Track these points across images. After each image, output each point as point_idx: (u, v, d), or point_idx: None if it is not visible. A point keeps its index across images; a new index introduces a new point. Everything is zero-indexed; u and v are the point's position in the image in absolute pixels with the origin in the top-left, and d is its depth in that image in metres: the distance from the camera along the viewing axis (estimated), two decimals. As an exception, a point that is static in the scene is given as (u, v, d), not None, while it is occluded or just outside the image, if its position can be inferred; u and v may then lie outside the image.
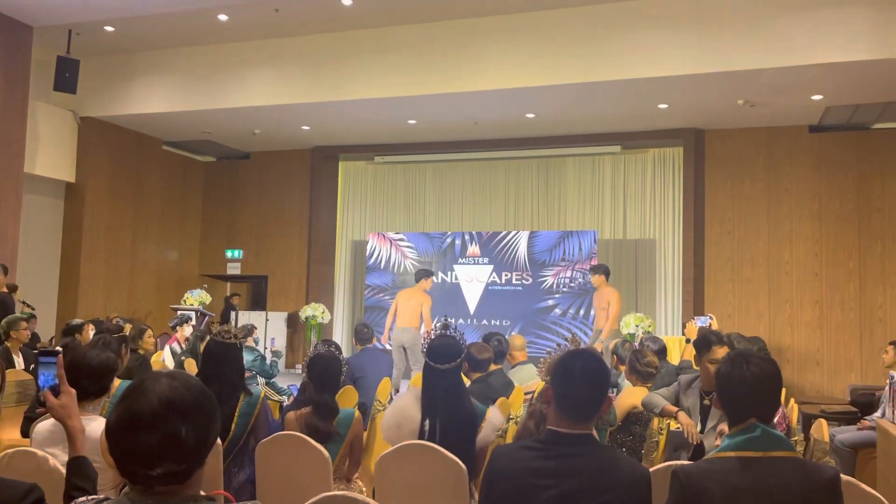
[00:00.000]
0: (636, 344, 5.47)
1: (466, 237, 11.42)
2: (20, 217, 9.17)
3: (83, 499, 1.53)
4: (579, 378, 2.06)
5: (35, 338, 7.32)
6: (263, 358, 6.57)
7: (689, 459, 3.25)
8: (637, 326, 8.94)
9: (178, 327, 7.51)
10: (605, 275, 8.54)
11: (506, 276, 11.12)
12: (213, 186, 13.01)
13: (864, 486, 2.46)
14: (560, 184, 11.52)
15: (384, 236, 11.93)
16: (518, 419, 3.84)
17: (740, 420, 2.04)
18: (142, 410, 1.33)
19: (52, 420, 2.69)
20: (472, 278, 11.29)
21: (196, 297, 10.69)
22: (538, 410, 2.91)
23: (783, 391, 3.21)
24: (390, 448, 3.06)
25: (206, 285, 11.62)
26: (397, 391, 7.32)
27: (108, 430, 1.37)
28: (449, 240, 11.53)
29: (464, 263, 11.37)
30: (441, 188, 12.20)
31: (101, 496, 1.56)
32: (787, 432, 3.82)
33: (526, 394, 4.48)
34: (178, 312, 8.64)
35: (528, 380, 4.94)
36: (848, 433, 5.74)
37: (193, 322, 8.23)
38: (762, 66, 7.68)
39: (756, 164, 10.16)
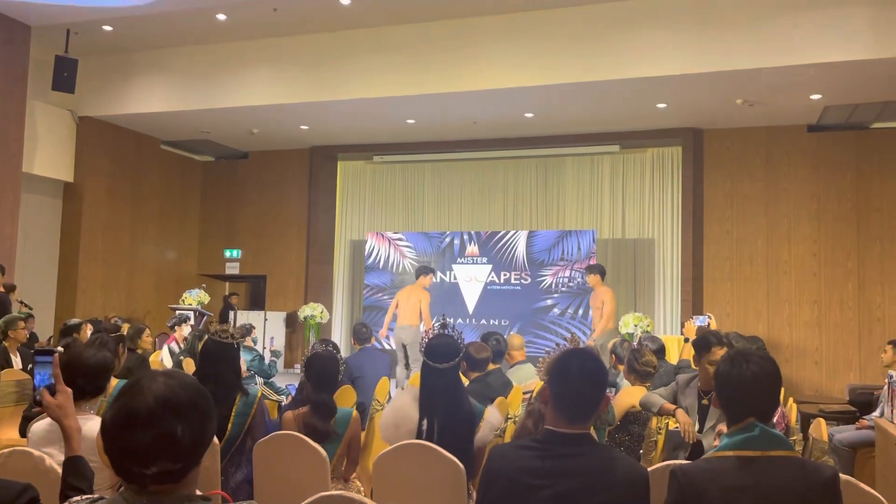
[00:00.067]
0: (635, 343, 5.47)
1: (465, 237, 11.41)
2: (18, 217, 9.15)
3: (77, 498, 1.52)
4: (576, 378, 2.05)
5: (33, 337, 7.32)
6: (262, 358, 6.57)
7: (688, 459, 3.24)
8: (636, 326, 8.96)
9: (176, 327, 7.51)
10: (601, 275, 8.54)
11: (504, 275, 11.12)
12: (212, 186, 13.00)
13: (862, 485, 2.45)
14: (559, 183, 11.51)
15: (383, 236, 11.92)
16: (516, 419, 3.83)
17: (739, 419, 2.04)
18: (137, 408, 1.33)
19: (48, 420, 2.67)
20: (471, 278, 11.28)
21: (195, 297, 10.71)
22: (537, 410, 2.90)
23: (782, 390, 3.20)
24: (388, 448, 3.06)
25: (204, 285, 11.61)
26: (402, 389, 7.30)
27: (104, 427, 1.36)
28: (448, 239, 11.52)
29: (462, 263, 11.36)
30: (440, 188, 12.19)
31: (96, 496, 1.55)
32: (785, 432, 3.82)
33: (524, 393, 4.48)
34: (177, 312, 8.64)
35: (526, 379, 4.94)
36: (846, 432, 5.73)
37: (192, 322, 8.23)
38: (761, 65, 7.68)
39: (755, 164, 10.16)
